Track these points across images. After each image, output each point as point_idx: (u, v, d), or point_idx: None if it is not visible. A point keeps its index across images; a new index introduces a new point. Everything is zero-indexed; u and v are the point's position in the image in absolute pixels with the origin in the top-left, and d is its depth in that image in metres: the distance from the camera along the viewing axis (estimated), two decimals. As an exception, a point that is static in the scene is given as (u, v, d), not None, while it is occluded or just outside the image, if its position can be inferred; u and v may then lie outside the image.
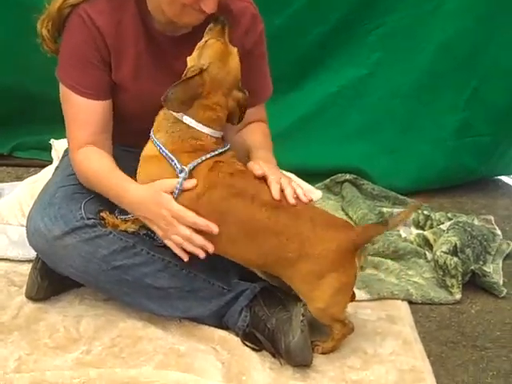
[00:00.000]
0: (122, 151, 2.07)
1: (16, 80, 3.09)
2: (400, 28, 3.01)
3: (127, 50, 1.95)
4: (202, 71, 1.79)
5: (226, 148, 1.87)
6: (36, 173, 2.92)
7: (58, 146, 2.83)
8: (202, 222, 1.78)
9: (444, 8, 2.94)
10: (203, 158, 1.81)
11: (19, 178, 3.09)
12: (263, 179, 1.83)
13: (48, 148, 3.01)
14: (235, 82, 1.85)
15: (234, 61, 1.84)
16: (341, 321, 1.88)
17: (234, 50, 1.85)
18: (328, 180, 3.07)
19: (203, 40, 1.84)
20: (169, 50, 1.98)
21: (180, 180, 1.79)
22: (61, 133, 2.27)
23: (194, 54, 1.85)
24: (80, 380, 1.70)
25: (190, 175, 1.80)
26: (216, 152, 1.83)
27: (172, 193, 1.80)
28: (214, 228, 1.77)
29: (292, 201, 1.79)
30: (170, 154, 1.82)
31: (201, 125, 1.83)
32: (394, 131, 3.11)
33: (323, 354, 1.91)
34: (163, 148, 1.83)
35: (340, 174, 3.06)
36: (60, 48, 1.96)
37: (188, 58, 1.85)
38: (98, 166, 1.96)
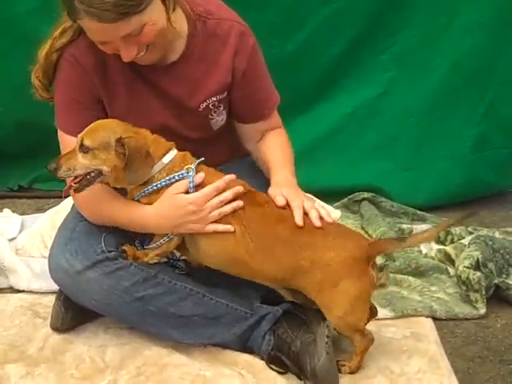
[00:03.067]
0: None
1: (34, 113, 3.12)
2: (412, 46, 3.02)
3: (117, 87, 1.97)
4: (121, 140, 1.82)
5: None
6: (56, 204, 2.96)
7: (78, 177, 2.86)
8: (220, 183, 1.85)
9: (455, 24, 2.95)
10: (198, 161, 1.90)
11: (40, 210, 3.12)
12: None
13: (66, 179, 3.04)
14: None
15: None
16: (360, 331, 1.87)
17: None
18: (346, 199, 3.08)
19: None
20: (160, 79, 1.98)
21: (190, 177, 1.84)
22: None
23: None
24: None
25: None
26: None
27: (187, 192, 1.85)
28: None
29: (317, 223, 1.81)
30: (166, 178, 1.86)
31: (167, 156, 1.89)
32: (410, 148, 3.11)
33: (351, 373, 1.91)
34: (158, 184, 1.88)
35: (358, 193, 3.06)
36: (54, 95, 1.98)
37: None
38: (109, 205, 1.97)
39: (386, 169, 3.12)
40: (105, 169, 1.83)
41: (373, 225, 2.81)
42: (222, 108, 2.05)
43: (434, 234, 2.01)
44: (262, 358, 1.96)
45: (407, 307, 2.24)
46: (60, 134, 2.00)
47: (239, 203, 1.85)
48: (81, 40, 1.90)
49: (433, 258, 2.59)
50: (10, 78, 3.05)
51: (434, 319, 2.22)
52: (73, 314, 2.12)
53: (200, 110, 2.02)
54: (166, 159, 1.88)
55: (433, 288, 2.40)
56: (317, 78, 3.12)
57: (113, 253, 1.96)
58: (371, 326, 1.97)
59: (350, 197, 3.07)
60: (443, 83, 3.02)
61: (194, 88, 2.00)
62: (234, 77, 2.01)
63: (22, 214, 3.05)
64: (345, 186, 3.11)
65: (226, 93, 2.03)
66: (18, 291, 2.42)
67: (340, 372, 1.89)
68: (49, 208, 2.97)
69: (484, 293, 2.27)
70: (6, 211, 3.03)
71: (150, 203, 1.88)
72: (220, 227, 1.85)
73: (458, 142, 3.06)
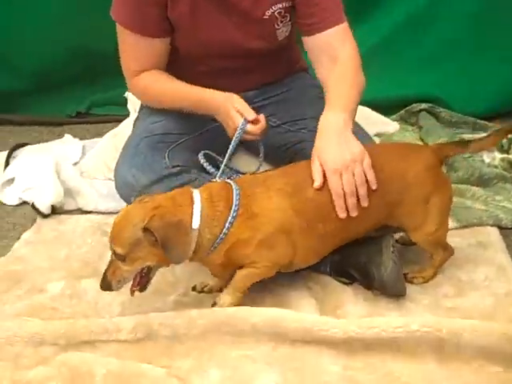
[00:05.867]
0: None
1: (88, 38, 3.15)
2: None
3: (182, 3, 1.95)
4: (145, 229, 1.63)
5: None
6: (114, 128, 2.99)
7: (134, 99, 2.88)
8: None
9: None
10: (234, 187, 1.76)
11: (99, 135, 3.16)
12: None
13: (123, 102, 3.07)
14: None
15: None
16: (444, 244, 1.89)
17: None
18: (403, 111, 3.02)
19: None
20: None
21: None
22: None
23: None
24: (183, 320, 1.75)
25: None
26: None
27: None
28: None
29: (365, 204, 1.74)
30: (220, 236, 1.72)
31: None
32: (469, 54, 3.01)
33: (424, 282, 1.92)
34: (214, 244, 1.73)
35: (415, 104, 3.00)
36: None
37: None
38: (171, 84, 2.06)
39: (445, 77, 3.03)
40: (150, 264, 1.72)
41: (432, 136, 2.75)
42: (287, 18, 2.02)
43: (497, 138, 1.96)
44: (330, 274, 1.98)
45: (472, 217, 2.22)
46: (118, 28, 2.04)
47: None
48: None
49: (496, 167, 2.54)
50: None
51: (500, 228, 2.19)
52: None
53: (265, 17, 1.99)
54: (196, 222, 1.68)
55: (497, 197, 2.36)
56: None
57: (177, 168, 1.99)
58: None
59: (407, 108, 3.01)
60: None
61: None
62: None
63: (81, 139, 3.10)
64: (402, 96, 3.05)
65: (290, 2, 1.99)
66: (86, 212, 2.49)
67: (412, 283, 1.91)
68: (107, 132, 3.00)
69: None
70: (67, 137, 3.08)
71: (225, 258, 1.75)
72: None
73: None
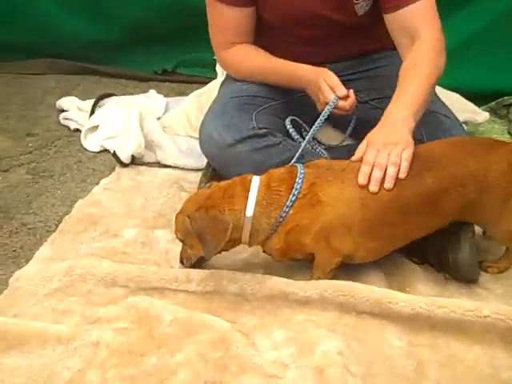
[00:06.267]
0: None
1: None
2: None
3: None
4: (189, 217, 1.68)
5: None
6: (198, 89, 3.01)
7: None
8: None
9: None
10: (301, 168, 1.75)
11: (182, 94, 3.21)
12: None
13: (210, 65, 3.08)
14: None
15: None
16: None
17: None
18: (494, 103, 2.94)
19: None
20: None
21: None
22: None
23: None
24: (253, 280, 1.78)
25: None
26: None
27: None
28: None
29: (389, 185, 1.67)
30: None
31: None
32: None
33: (499, 272, 1.88)
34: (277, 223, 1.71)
35: (507, 97, 2.92)
36: None
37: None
38: (262, 60, 2.09)
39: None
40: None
41: (521, 130, 2.69)
42: None
43: None
44: (403, 252, 1.94)
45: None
46: None
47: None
48: None
49: None
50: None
51: None
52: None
53: None
54: (250, 210, 1.68)
55: None
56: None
57: (263, 130, 2.00)
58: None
59: (498, 100, 2.93)
60: None
61: None
62: None
63: (165, 96, 3.14)
64: (495, 88, 2.96)
65: None
66: (165, 166, 2.53)
67: (487, 271, 1.88)
68: (190, 93, 3.03)
69: None
70: (152, 92, 3.13)
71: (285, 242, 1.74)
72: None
73: None
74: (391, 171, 1.67)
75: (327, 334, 1.64)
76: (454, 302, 1.66)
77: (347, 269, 1.86)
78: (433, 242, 1.86)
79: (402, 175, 1.68)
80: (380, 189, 1.67)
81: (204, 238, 1.66)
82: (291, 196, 1.68)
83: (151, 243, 2.03)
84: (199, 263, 1.85)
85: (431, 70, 1.86)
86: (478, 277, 1.83)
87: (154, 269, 1.85)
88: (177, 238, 1.79)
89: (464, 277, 1.82)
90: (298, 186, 1.69)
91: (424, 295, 1.76)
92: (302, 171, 1.72)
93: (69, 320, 1.70)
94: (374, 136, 1.76)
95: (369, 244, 1.74)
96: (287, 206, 1.68)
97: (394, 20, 1.95)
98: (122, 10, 3.34)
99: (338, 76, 2.00)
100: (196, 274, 1.82)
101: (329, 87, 1.93)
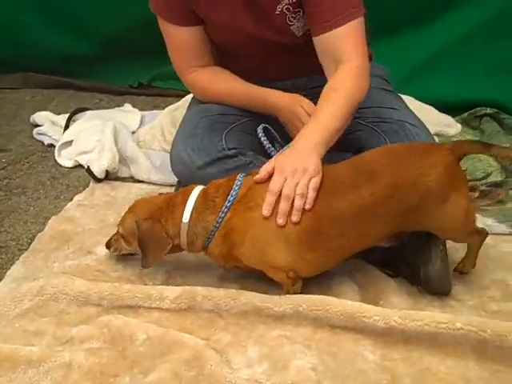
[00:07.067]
0: None
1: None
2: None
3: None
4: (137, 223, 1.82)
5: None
6: (173, 103, 3.02)
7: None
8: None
9: None
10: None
11: (157, 107, 3.21)
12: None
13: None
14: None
15: None
16: (476, 231, 1.83)
17: None
18: (466, 114, 2.96)
19: None
20: None
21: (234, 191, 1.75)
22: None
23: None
24: (227, 296, 1.77)
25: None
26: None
27: None
28: None
29: (280, 221, 1.67)
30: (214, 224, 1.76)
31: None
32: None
33: (471, 269, 1.90)
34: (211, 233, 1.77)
35: (479, 108, 2.94)
36: None
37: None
38: (229, 84, 2.11)
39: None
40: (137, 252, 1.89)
41: (494, 141, 2.69)
42: (301, 13, 1.97)
43: None
44: (376, 264, 1.96)
45: (525, 223, 2.16)
46: (159, 20, 2.10)
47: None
48: None
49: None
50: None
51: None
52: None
53: (277, 13, 1.97)
54: (186, 216, 1.76)
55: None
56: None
57: (232, 150, 1.99)
58: (489, 241, 1.92)
59: (470, 112, 2.96)
60: None
61: None
62: None
63: (140, 110, 3.14)
64: (467, 100, 2.99)
65: None
66: (139, 181, 2.53)
67: (464, 272, 1.89)
68: (166, 106, 3.03)
69: None
70: (127, 106, 3.12)
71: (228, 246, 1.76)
72: None
73: None
74: (298, 204, 1.66)
75: (301, 350, 1.63)
76: (427, 315, 1.66)
77: (321, 282, 1.86)
78: (405, 255, 1.88)
79: (308, 206, 1.67)
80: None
81: (145, 249, 1.80)
82: (227, 202, 1.73)
83: (125, 260, 2.01)
84: (130, 254, 1.97)
85: (351, 96, 1.85)
86: (450, 289, 1.84)
87: (127, 286, 1.84)
88: (118, 230, 1.90)
89: (436, 290, 1.83)
90: (234, 192, 1.73)
91: (398, 308, 1.77)
92: (240, 178, 1.76)
93: (40, 341, 1.68)
94: (282, 161, 1.74)
95: (307, 255, 1.72)
96: (223, 212, 1.73)
97: (321, 43, 1.93)
98: (96, 23, 3.35)
99: (304, 90, 2.06)
100: (170, 291, 1.81)
101: (307, 115, 1.97)
